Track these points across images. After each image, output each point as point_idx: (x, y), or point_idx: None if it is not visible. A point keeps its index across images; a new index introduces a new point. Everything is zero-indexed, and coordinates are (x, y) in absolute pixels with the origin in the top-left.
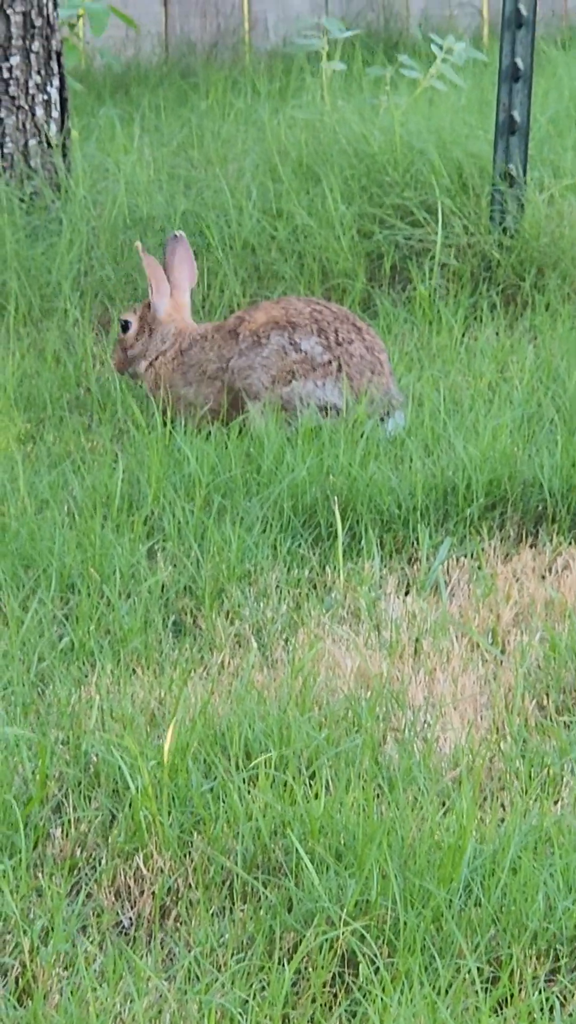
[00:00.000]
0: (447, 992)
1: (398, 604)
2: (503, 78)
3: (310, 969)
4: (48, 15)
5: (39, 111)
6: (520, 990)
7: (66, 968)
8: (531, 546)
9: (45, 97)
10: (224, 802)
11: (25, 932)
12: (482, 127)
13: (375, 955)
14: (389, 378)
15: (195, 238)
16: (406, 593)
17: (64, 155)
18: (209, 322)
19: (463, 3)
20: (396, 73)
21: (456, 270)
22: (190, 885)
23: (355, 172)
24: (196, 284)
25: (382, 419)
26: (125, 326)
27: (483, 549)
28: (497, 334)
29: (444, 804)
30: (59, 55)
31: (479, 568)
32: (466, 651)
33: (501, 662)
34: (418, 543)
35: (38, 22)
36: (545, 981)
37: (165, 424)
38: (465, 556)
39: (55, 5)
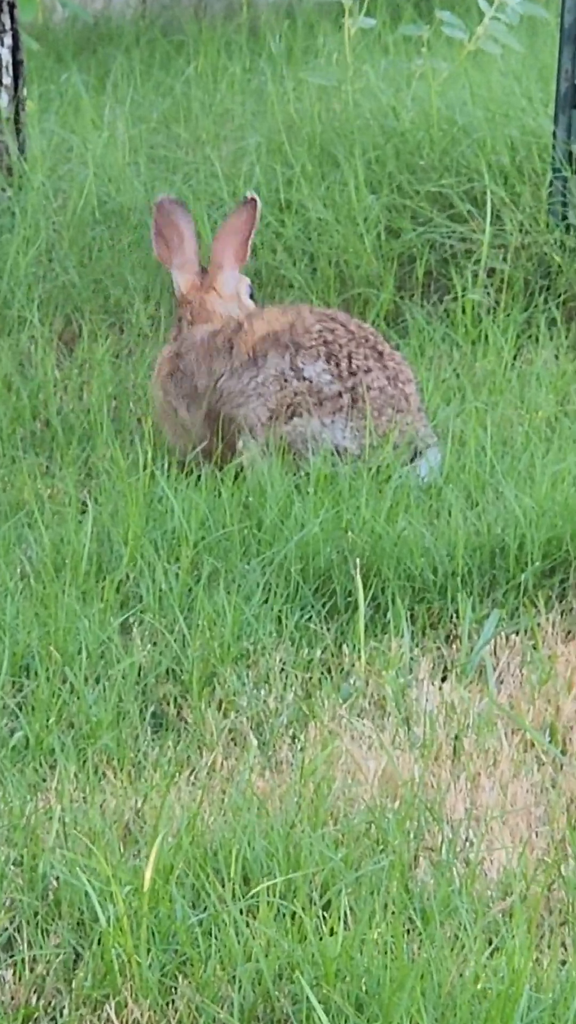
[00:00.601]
0: None
1: (433, 693)
2: (566, 39)
3: None
4: None
5: None
6: None
7: None
8: None
9: None
10: (217, 938)
11: None
12: (541, 99)
13: None
14: (417, 416)
15: None
16: (443, 679)
17: (17, 131)
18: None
19: None
20: (435, 32)
21: (507, 276)
22: None
23: (382, 154)
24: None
25: (411, 460)
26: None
27: (539, 624)
28: (557, 356)
29: (491, 942)
30: (11, 6)
31: (534, 648)
32: (518, 752)
33: (562, 766)
34: (458, 617)
35: None
36: None
37: (152, 476)
38: (517, 633)
39: None
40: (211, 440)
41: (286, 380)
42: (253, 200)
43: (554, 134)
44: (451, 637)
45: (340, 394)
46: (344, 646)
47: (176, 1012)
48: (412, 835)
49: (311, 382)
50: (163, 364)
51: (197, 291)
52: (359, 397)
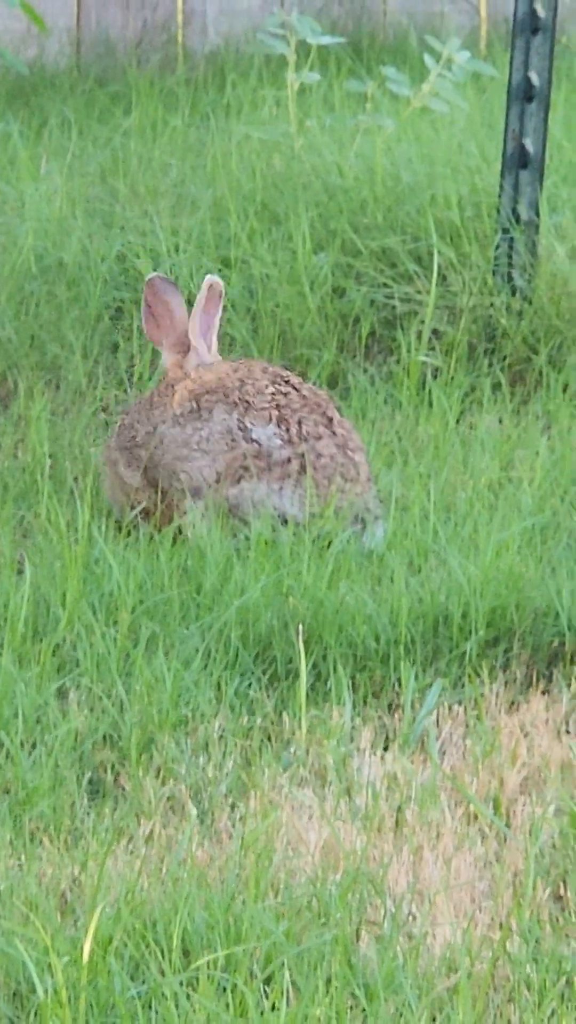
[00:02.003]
0: None
1: (375, 763)
2: (513, 97)
3: None
4: None
5: None
6: None
7: None
8: (544, 692)
9: None
10: (157, 1012)
11: None
12: (487, 158)
13: None
14: (366, 485)
15: (120, 292)
16: (385, 749)
17: None
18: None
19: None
20: (380, 88)
21: (452, 339)
22: None
23: (325, 212)
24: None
25: (356, 531)
26: None
27: (483, 695)
28: (501, 421)
29: (435, 1019)
30: None
31: (478, 719)
32: (461, 824)
33: (506, 839)
34: (400, 686)
35: None
36: None
37: (89, 537)
38: (460, 703)
39: None
40: (151, 497)
41: (233, 439)
42: (214, 285)
43: (501, 194)
44: (393, 706)
45: (289, 460)
46: (284, 714)
47: None
48: (354, 908)
49: (260, 445)
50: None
51: (178, 371)
52: (309, 464)
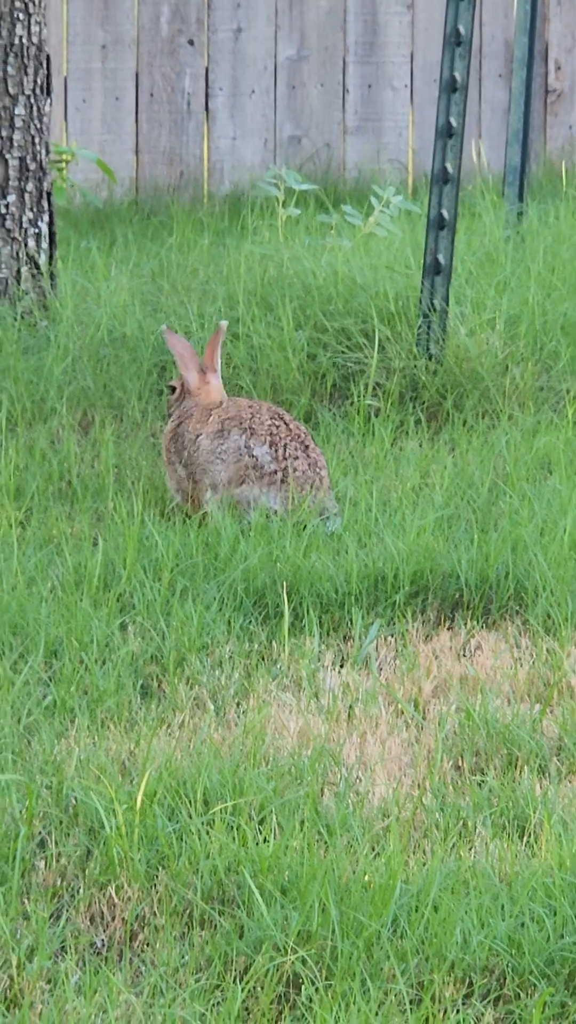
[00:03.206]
0: (378, 1012)
1: (334, 675)
2: (431, 226)
3: (259, 988)
4: (41, 160)
5: (31, 243)
6: (441, 1012)
7: (48, 982)
8: (448, 628)
9: (36, 231)
10: (186, 842)
11: (13, 950)
12: (412, 267)
13: (316, 977)
14: (327, 492)
15: (165, 355)
16: (341, 666)
17: (52, 281)
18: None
19: (392, 159)
20: (341, 219)
21: (388, 389)
22: (155, 913)
23: (303, 302)
24: (154, 397)
25: (323, 520)
26: (171, 389)
27: (407, 630)
28: (420, 445)
29: (374, 849)
30: (49, 195)
31: (404, 646)
32: (392, 717)
33: (422, 728)
34: (352, 623)
35: (32, 166)
36: (462, 1004)
37: (142, 521)
38: (392, 636)
39: (47, 151)
40: (192, 485)
41: (241, 454)
42: (222, 326)
43: (422, 291)
44: (347, 637)
45: (275, 472)
46: (273, 642)
47: (157, 892)
48: (320, 774)
49: (257, 459)
50: (167, 435)
51: (201, 386)
52: (287, 476)
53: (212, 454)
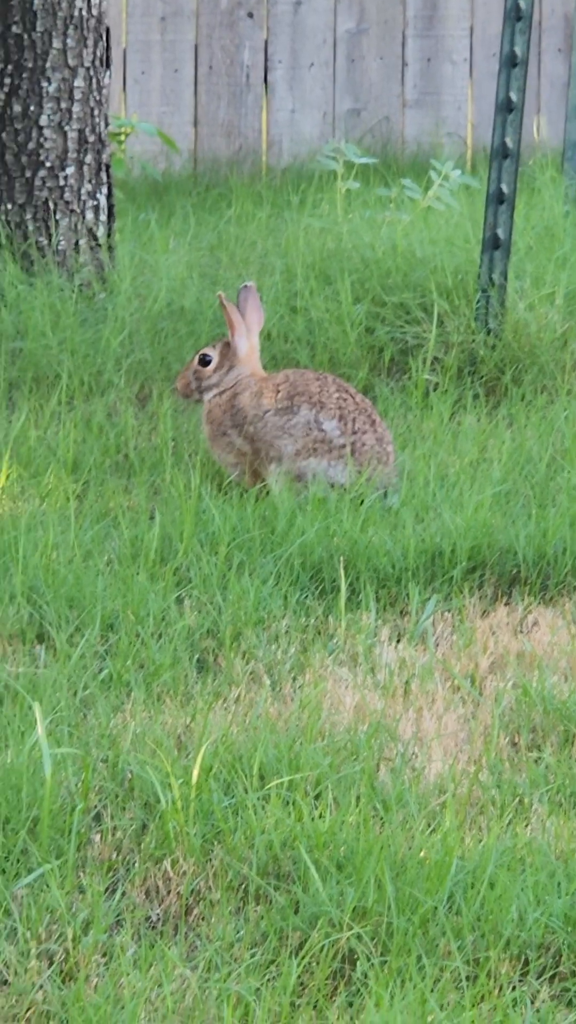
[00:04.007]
0: (433, 988)
1: (391, 651)
2: (490, 201)
3: (314, 964)
4: (100, 132)
5: (89, 215)
6: (496, 989)
7: (104, 955)
8: (506, 604)
9: (95, 203)
10: (241, 817)
11: (69, 923)
12: (471, 241)
13: (371, 954)
14: (392, 468)
15: (223, 328)
16: (397, 641)
17: (110, 253)
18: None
19: (450, 133)
20: (400, 193)
21: (446, 364)
22: (211, 887)
23: (362, 276)
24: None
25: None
26: (206, 360)
27: (464, 605)
28: (479, 420)
29: (430, 825)
30: (108, 167)
31: (460, 622)
32: (449, 693)
33: (479, 704)
34: (408, 599)
35: (91, 138)
36: (518, 981)
37: (199, 495)
38: (449, 611)
39: (106, 123)
40: (253, 458)
41: (310, 428)
42: (251, 285)
43: (480, 266)
44: (404, 612)
45: (343, 446)
46: (330, 617)
47: (213, 867)
48: (376, 749)
49: (326, 433)
50: (219, 406)
51: (251, 352)
52: (356, 450)
53: (280, 429)
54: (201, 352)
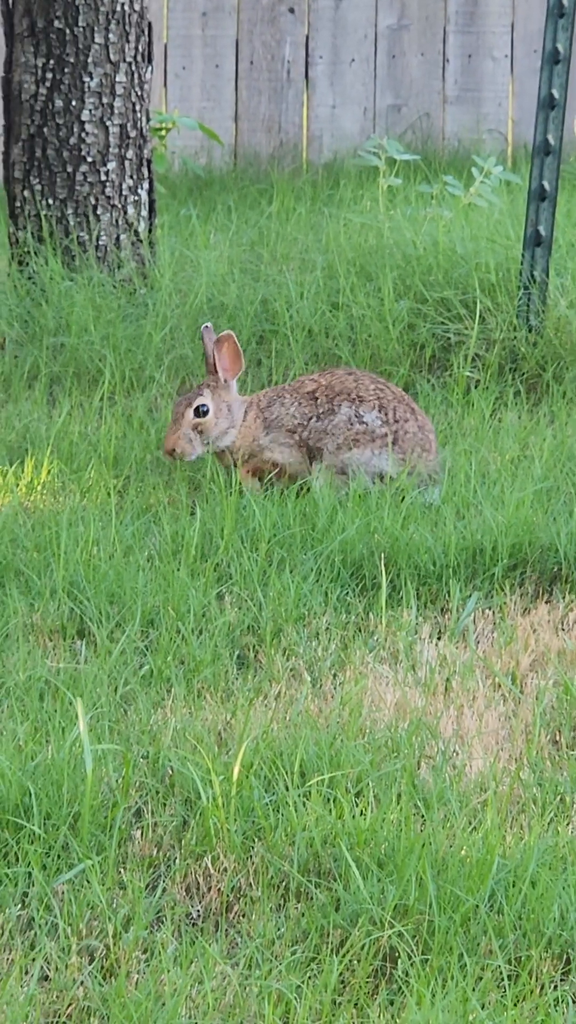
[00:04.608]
0: (475, 987)
1: (431, 648)
2: (531, 198)
3: (356, 962)
4: (141, 127)
5: (131, 210)
6: (538, 988)
7: (144, 952)
8: (547, 602)
9: (136, 198)
10: (282, 814)
11: (110, 919)
12: (512, 238)
13: (412, 952)
14: (435, 456)
15: (264, 324)
16: (438, 639)
17: (151, 249)
18: (264, 390)
19: (491, 129)
20: (441, 189)
21: (487, 360)
22: (251, 884)
23: (403, 273)
24: (253, 366)
25: (422, 490)
26: (203, 410)
27: (505, 603)
28: (519, 417)
29: (471, 823)
30: (149, 162)
31: (502, 619)
32: (489, 691)
33: (520, 701)
34: (449, 596)
35: (132, 133)
36: (559, 980)
37: (240, 491)
38: (490, 608)
39: (148, 119)
40: (290, 456)
41: (351, 423)
42: (208, 327)
43: (522, 262)
44: (444, 610)
45: (386, 435)
46: (371, 614)
47: (253, 864)
48: (417, 747)
49: (367, 425)
50: (247, 429)
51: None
52: (399, 438)
53: (322, 432)
54: (195, 405)
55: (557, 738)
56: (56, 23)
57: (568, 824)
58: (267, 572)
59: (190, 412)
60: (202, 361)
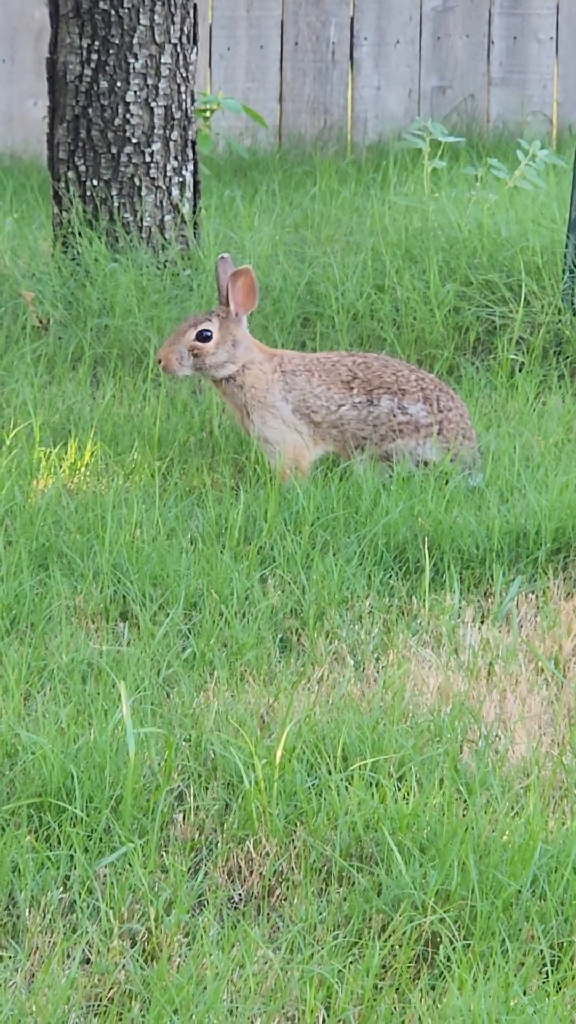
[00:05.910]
0: (517, 973)
1: (474, 632)
2: None
3: (398, 947)
4: (186, 108)
5: (175, 191)
6: None
7: (186, 935)
8: None
9: (180, 179)
10: (324, 798)
11: (152, 903)
12: (557, 221)
13: (454, 937)
14: (475, 444)
15: (309, 307)
16: (481, 622)
17: (196, 230)
18: (290, 351)
19: (535, 112)
20: (486, 172)
21: (532, 344)
22: (293, 868)
23: (448, 255)
24: (297, 349)
25: (465, 475)
26: (206, 335)
27: (548, 587)
28: (564, 400)
29: (514, 808)
30: (194, 144)
31: (545, 603)
32: (532, 675)
33: (563, 686)
34: (493, 580)
35: (177, 114)
36: None
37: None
38: (533, 592)
39: (192, 100)
40: (305, 437)
41: (394, 415)
42: (225, 258)
43: (567, 244)
44: (488, 594)
45: (431, 424)
46: (414, 597)
47: (295, 849)
48: (459, 731)
49: (412, 416)
50: (260, 376)
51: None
52: (443, 427)
53: (362, 421)
54: (200, 328)
55: None
56: (102, 4)
57: None
58: (310, 555)
59: (192, 333)
60: None
